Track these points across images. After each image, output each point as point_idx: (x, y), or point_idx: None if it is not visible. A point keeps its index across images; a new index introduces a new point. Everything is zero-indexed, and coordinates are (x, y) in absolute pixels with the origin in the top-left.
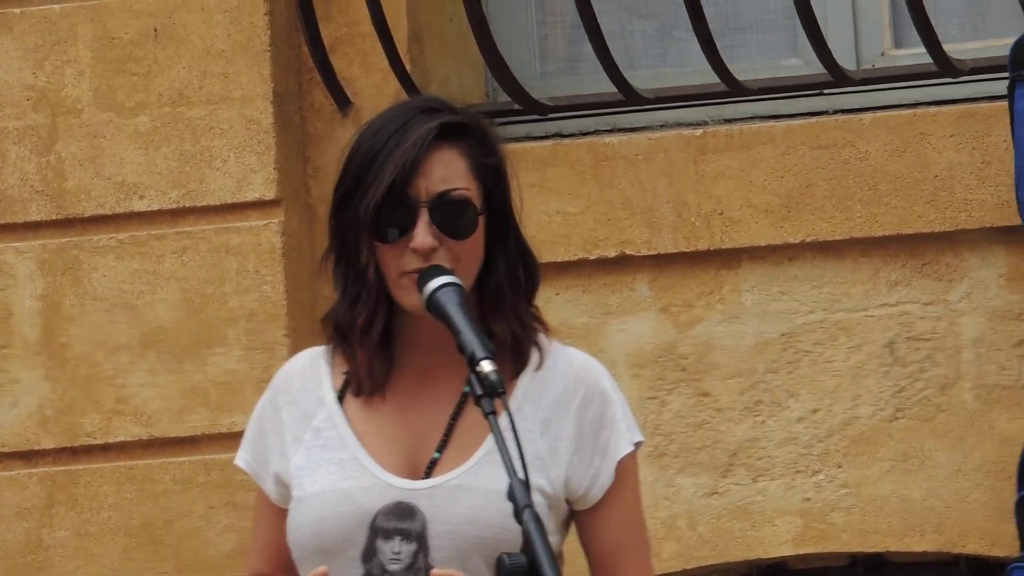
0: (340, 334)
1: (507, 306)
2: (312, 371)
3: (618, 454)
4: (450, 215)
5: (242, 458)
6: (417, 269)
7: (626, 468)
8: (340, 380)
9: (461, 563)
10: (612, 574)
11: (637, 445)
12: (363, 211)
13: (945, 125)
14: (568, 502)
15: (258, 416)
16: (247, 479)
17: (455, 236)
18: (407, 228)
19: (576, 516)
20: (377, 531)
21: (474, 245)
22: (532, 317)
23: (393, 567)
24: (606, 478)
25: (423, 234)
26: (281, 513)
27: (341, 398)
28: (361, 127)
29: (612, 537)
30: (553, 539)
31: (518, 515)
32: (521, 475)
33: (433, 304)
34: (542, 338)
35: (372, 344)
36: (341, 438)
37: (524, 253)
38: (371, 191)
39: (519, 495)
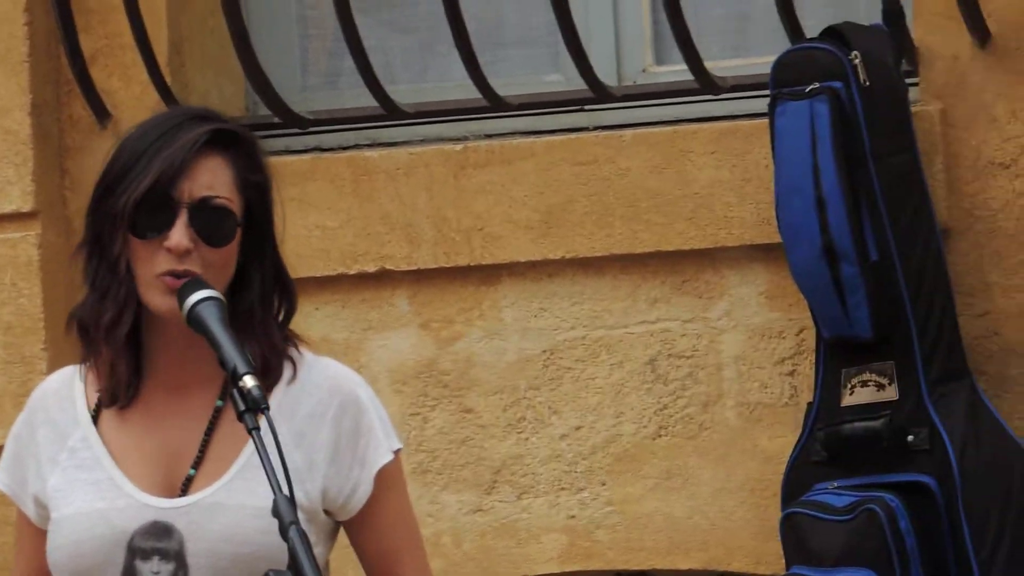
0: (84, 333)
1: (258, 327)
2: (67, 390)
3: (377, 463)
4: (209, 221)
5: (1, 480)
6: (170, 271)
7: (388, 475)
8: (94, 398)
9: None
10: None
11: (396, 452)
12: (123, 204)
13: (706, 142)
14: (327, 512)
15: (15, 436)
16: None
17: (211, 243)
18: (164, 228)
19: (344, 525)
20: (135, 551)
21: (228, 255)
22: (283, 338)
23: None
24: (365, 487)
25: (180, 235)
26: (42, 534)
27: (96, 417)
28: (130, 128)
29: (383, 542)
30: (317, 550)
31: (283, 532)
32: (286, 491)
33: (194, 317)
34: (294, 351)
35: (118, 342)
36: (96, 458)
37: (282, 278)
38: (133, 186)
39: (284, 511)
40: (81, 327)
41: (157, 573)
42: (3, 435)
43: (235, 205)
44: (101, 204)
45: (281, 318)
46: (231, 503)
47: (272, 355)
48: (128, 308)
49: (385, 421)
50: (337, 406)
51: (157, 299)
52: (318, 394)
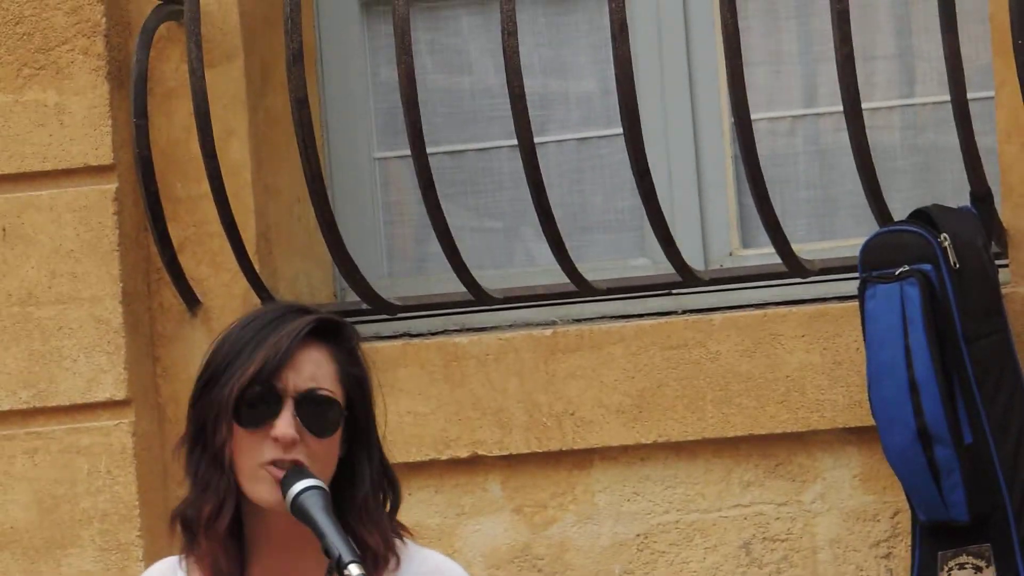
0: (187, 528)
1: (371, 519)
2: None
3: None
4: (314, 412)
5: None
6: (274, 460)
7: None
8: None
9: None
10: None
11: None
12: (227, 394)
13: (795, 325)
14: None
15: None
16: None
17: (317, 433)
18: (270, 417)
19: None
20: None
21: (331, 446)
22: (392, 530)
23: None
24: None
25: (286, 425)
26: None
27: None
28: (232, 322)
29: None
30: None
31: None
32: None
33: (298, 507)
34: (397, 542)
35: (218, 535)
36: None
37: (388, 471)
38: (238, 375)
39: None
40: (183, 522)
41: None
42: None
43: (338, 397)
44: (204, 395)
45: (389, 509)
46: None
47: (384, 547)
48: (229, 500)
49: None
50: None
51: (261, 491)
52: None
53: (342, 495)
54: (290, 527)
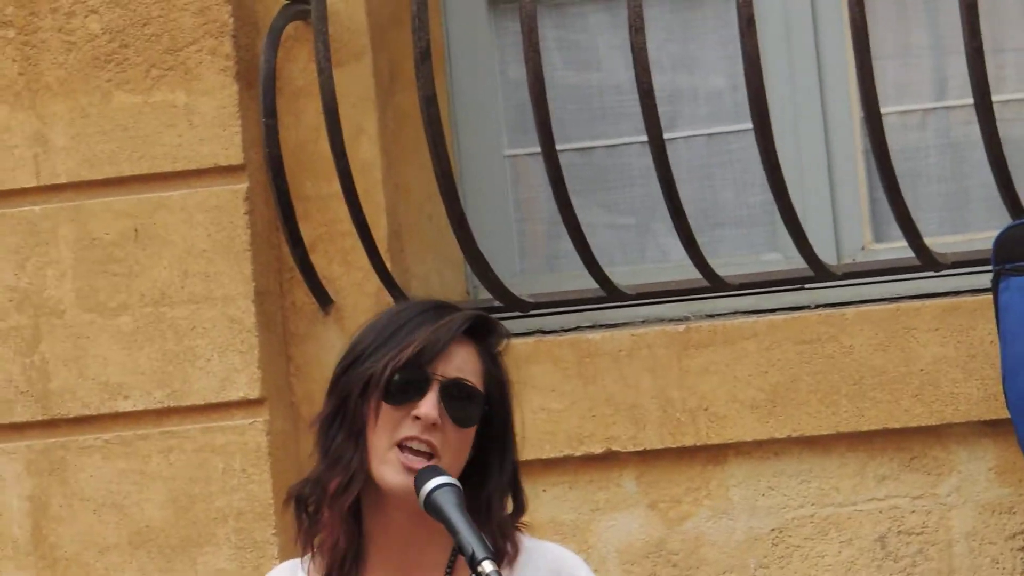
0: (303, 509)
1: (494, 519)
2: None
3: None
4: (458, 401)
5: None
6: (410, 437)
7: None
8: (311, 543)
9: None
10: None
11: None
12: (380, 370)
13: (929, 319)
14: None
15: None
16: None
17: (457, 422)
18: (416, 396)
19: None
20: None
21: (467, 438)
22: (514, 531)
23: None
24: None
25: (430, 405)
26: None
27: None
28: (382, 310)
29: None
30: None
31: None
32: None
33: (431, 502)
34: (517, 534)
35: (342, 510)
36: None
37: (517, 484)
38: (393, 354)
39: None
40: (301, 500)
41: None
42: None
43: (480, 390)
44: (351, 371)
45: (513, 515)
46: None
47: (502, 542)
48: (358, 476)
49: None
50: None
51: (391, 474)
52: (541, 575)
53: (468, 493)
54: (410, 520)
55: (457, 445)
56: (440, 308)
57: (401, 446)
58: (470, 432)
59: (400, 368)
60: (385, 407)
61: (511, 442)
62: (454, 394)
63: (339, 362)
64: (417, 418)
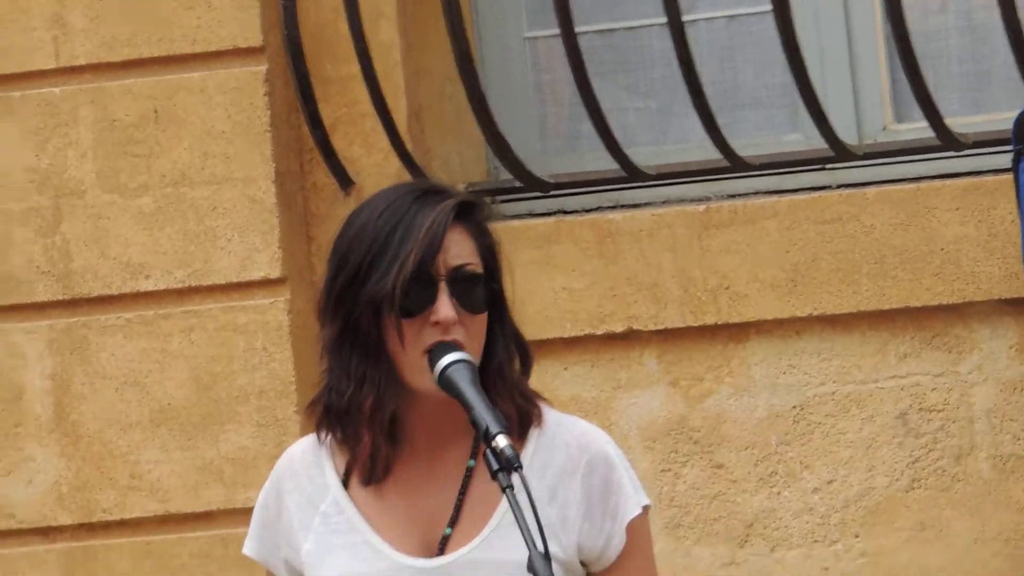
0: (338, 419)
1: (509, 383)
2: (313, 457)
3: (627, 516)
4: (467, 290)
5: (250, 547)
6: (438, 343)
7: (636, 529)
8: (343, 464)
9: None
10: None
11: (645, 508)
12: (390, 287)
13: (950, 198)
14: (583, 564)
15: (263, 504)
16: None
17: (471, 310)
18: (428, 303)
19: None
20: None
21: (483, 320)
22: (532, 392)
23: None
24: (619, 539)
25: (446, 307)
26: None
27: (345, 482)
28: (354, 213)
29: None
30: None
31: None
32: (540, 547)
33: (445, 380)
34: (543, 407)
35: (383, 426)
36: (350, 522)
37: (517, 335)
38: (395, 268)
39: (539, 567)
40: (335, 414)
41: None
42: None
43: (481, 271)
44: (352, 290)
45: (522, 371)
46: (491, 559)
47: (526, 405)
48: (390, 392)
49: (633, 477)
50: (586, 463)
51: (426, 380)
52: (567, 451)
53: (479, 364)
54: (440, 410)
55: (476, 330)
56: (420, 199)
57: (422, 352)
58: (484, 315)
59: (407, 282)
60: (402, 322)
61: (506, 304)
62: (463, 287)
63: (332, 274)
64: (437, 323)
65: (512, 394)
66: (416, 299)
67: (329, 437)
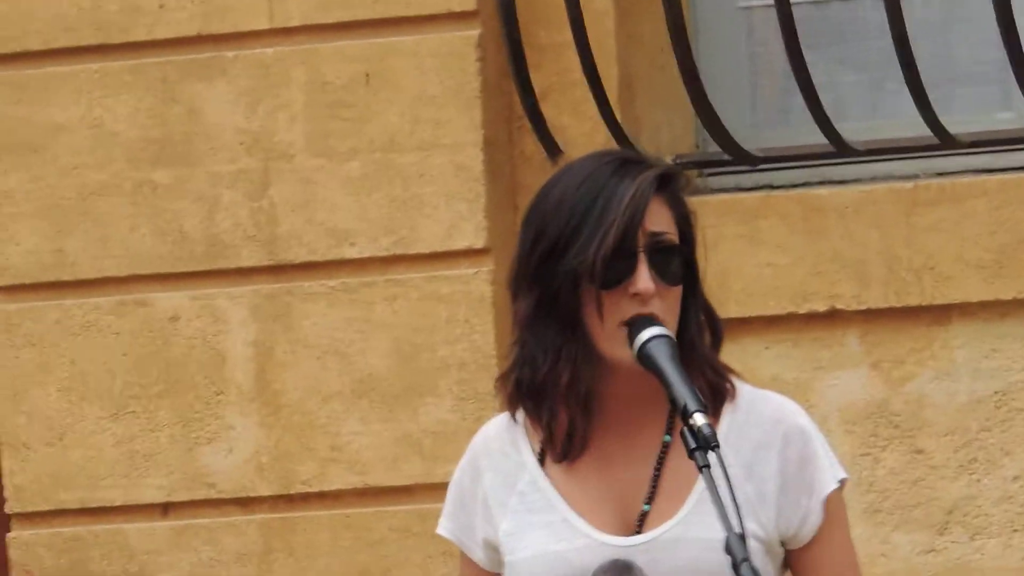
0: (531, 394)
1: (700, 356)
2: (508, 435)
3: (824, 491)
4: (665, 261)
5: (445, 527)
6: (636, 315)
7: (833, 504)
8: (537, 441)
9: None
10: None
11: (842, 482)
12: (591, 259)
13: None
14: (782, 543)
15: (457, 483)
16: None
17: (670, 282)
18: (627, 274)
19: (789, 555)
20: None
21: (679, 292)
22: (724, 366)
23: None
24: (816, 516)
25: (645, 279)
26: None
27: (541, 460)
28: (550, 183)
29: (830, 571)
30: None
31: (736, 568)
32: (737, 528)
33: (645, 354)
34: (735, 380)
35: (579, 400)
36: (547, 500)
37: (709, 308)
38: (597, 239)
39: (736, 548)
40: (529, 389)
41: None
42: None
43: (678, 241)
44: (550, 263)
45: (713, 344)
46: (691, 537)
47: (719, 380)
48: (586, 365)
49: (828, 450)
50: (782, 436)
51: (624, 352)
52: (763, 425)
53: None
54: (636, 382)
55: (673, 302)
56: (620, 170)
57: (620, 324)
58: (680, 287)
59: (609, 256)
60: (600, 294)
61: (699, 276)
62: (662, 258)
63: (528, 245)
64: (636, 295)
65: (703, 368)
66: (616, 270)
67: (522, 414)
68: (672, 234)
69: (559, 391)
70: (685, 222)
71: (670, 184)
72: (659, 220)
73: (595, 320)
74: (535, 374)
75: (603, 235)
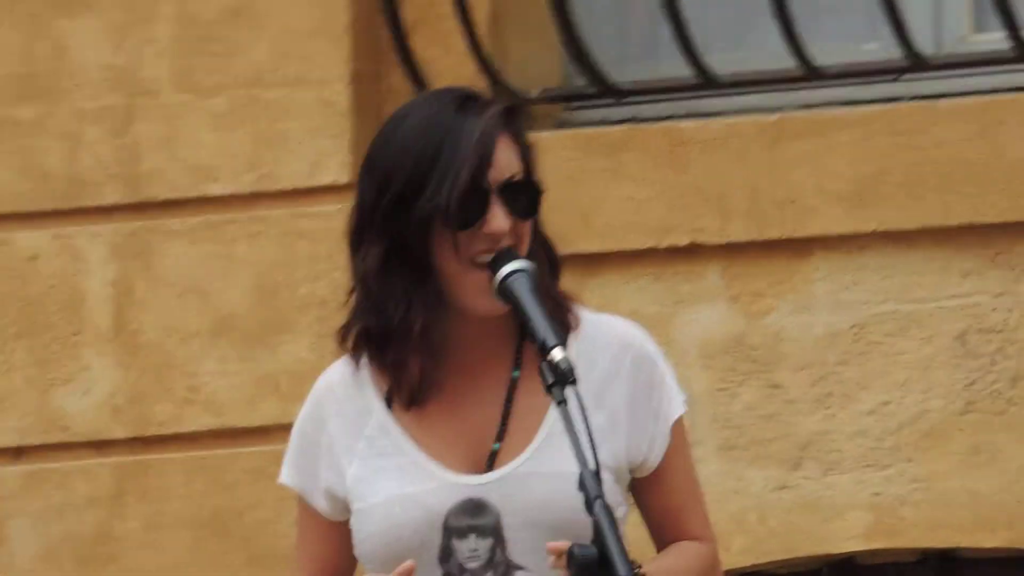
0: (380, 344)
1: (543, 285)
2: (353, 379)
3: (672, 416)
4: (517, 198)
5: (288, 475)
6: (485, 251)
7: (679, 428)
8: (384, 386)
9: (539, 551)
10: (677, 533)
11: (685, 404)
12: (441, 203)
13: (1021, 113)
14: (629, 471)
15: (300, 430)
16: None
17: (523, 216)
18: (480, 215)
19: (634, 481)
20: (451, 531)
21: (530, 226)
22: (561, 293)
23: (472, 564)
24: (662, 440)
25: (500, 218)
26: (332, 525)
27: (388, 404)
28: (389, 128)
29: (674, 498)
30: (621, 511)
31: (589, 506)
32: (592, 465)
33: (506, 288)
34: (576, 307)
35: (431, 348)
36: (396, 444)
37: (546, 240)
38: (447, 182)
39: (590, 485)
40: (378, 337)
41: (475, 550)
42: None
43: (525, 176)
44: (399, 210)
45: (551, 274)
46: (543, 472)
47: (558, 311)
48: (438, 313)
49: (672, 375)
50: (631, 363)
51: (478, 299)
52: (610, 351)
53: None
54: (486, 322)
55: (526, 235)
56: (461, 109)
57: (478, 263)
58: (531, 220)
59: (461, 196)
60: (454, 235)
61: (540, 209)
62: (513, 193)
63: (374, 194)
64: (490, 234)
65: (545, 295)
66: (470, 210)
67: (366, 359)
68: (520, 169)
69: (411, 340)
70: (528, 155)
71: (514, 119)
72: (506, 155)
73: (451, 261)
74: (386, 324)
75: (454, 176)
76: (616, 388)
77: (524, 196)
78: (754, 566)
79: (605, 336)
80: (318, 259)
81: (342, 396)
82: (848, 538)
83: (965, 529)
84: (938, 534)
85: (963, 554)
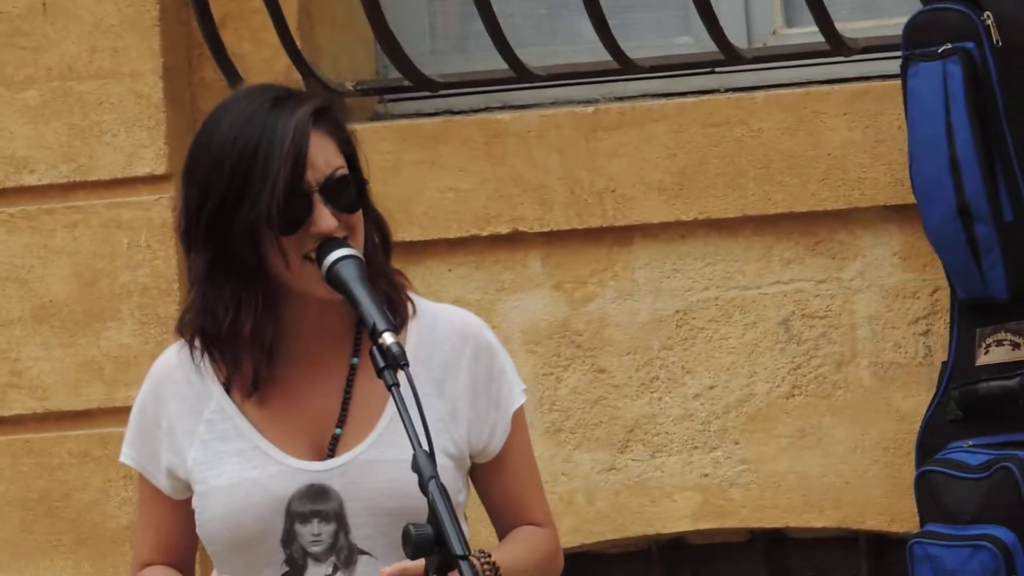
0: (214, 343)
1: (376, 269)
2: (191, 364)
3: (512, 405)
4: (339, 192)
5: (128, 455)
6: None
7: (519, 417)
8: (223, 369)
9: (383, 536)
10: (518, 518)
11: (524, 393)
12: (262, 211)
13: (838, 104)
14: (470, 457)
15: (140, 411)
16: None
17: (349, 210)
18: (306, 216)
19: (475, 468)
20: (294, 516)
21: (360, 215)
22: (397, 275)
23: (314, 549)
24: (503, 429)
25: (326, 218)
26: (174, 503)
27: (227, 389)
28: (205, 133)
29: (515, 485)
30: (460, 497)
31: (423, 486)
32: (425, 446)
33: (334, 275)
34: (412, 295)
35: (262, 347)
36: (237, 429)
37: (379, 219)
38: (267, 189)
39: (423, 466)
40: (212, 337)
41: (318, 535)
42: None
43: (346, 169)
44: (222, 219)
45: (383, 252)
46: (387, 459)
47: (394, 293)
48: (268, 312)
49: (511, 364)
50: (471, 352)
51: (313, 288)
52: (451, 340)
53: None
54: (325, 313)
55: (357, 226)
56: (274, 110)
57: (308, 257)
58: (360, 211)
59: (282, 202)
60: (285, 239)
61: (368, 191)
62: (336, 190)
63: (196, 202)
64: (319, 233)
65: (380, 279)
66: (294, 214)
67: (201, 357)
68: (340, 166)
69: (241, 341)
70: (348, 145)
71: (328, 114)
72: (324, 153)
73: (280, 265)
74: (218, 325)
75: (272, 184)
76: (457, 377)
77: (347, 190)
78: (583, 545)
79: (444, 326)
80: (138, 248)
81: (181, 380)
82: (677, 519)
83: (793, 509)
84: (767, 514)
85: (791, 534)
